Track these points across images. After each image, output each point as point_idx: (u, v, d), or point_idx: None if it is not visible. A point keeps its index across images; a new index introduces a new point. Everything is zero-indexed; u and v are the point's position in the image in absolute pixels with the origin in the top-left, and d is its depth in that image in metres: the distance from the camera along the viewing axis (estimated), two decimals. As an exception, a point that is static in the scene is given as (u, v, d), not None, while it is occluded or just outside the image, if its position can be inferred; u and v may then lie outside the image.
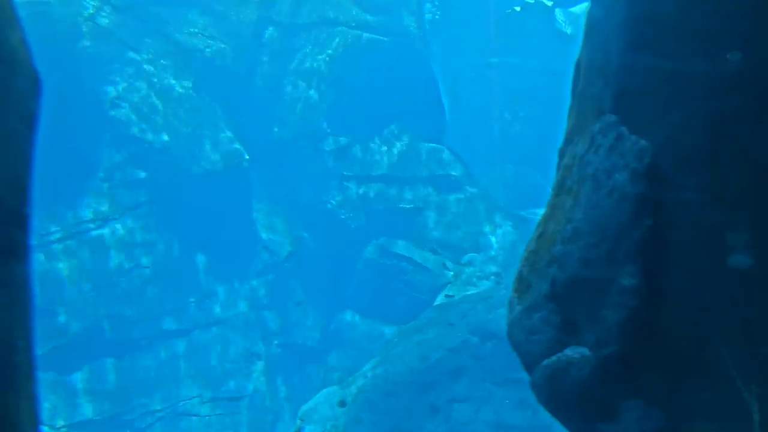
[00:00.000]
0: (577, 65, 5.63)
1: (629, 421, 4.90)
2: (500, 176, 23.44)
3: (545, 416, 5.92)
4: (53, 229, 16.98)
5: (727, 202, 4.62)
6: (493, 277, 18.39)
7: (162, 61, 18.74)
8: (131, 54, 18.42)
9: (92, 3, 18.22)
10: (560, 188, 5.35)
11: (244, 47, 19.89)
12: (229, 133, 18.86)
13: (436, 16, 23.33)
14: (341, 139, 19.54)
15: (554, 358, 5.10)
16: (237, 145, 18.77)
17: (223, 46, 19.59)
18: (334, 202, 19.30)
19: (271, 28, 20.16)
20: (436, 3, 23.49)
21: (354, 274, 18.96)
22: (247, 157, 18.81)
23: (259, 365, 18.44)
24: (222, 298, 18.50)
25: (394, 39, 20.26)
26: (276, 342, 18.77)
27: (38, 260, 16.38)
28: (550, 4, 21.73)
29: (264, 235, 19.12)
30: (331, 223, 19.26)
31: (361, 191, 19.33)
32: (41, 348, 15.12)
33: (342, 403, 15.35)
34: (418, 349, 15.66)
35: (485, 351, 15.35)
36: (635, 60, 4.86)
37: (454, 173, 19.66)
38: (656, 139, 4.78)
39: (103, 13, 18.29)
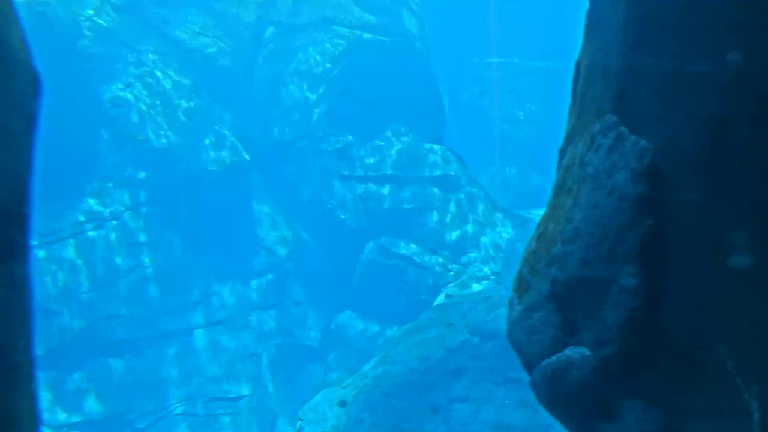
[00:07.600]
0: (577, 65, 5.63)
1: (629, 421, 4.91)
2: (500, 176, 23.46)
3: (545, 416, 5.92)
4: (53, 229, 16.97)
5: (727, 202, 4.63)
6: (493, 277, 18.39)
7: (162, 61, 18.75)
8: (131, 54, 18.42)
9: (92, 3, 18.22)
10: (560, 188, 5.35)
11: (244, 47, 19.90)
12: (229, 133, 18.86)
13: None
14: (341, 139, 19.53)
15: (554, 358, 5.10)
16: (237, 145, 18.78)
17: (223, 46, 19.59)
18: (334, 202, 19.29)
19: (271, 28, 20.15)
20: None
21: (354, 274, 18.95)
22: (247, 157, 18.81)
23: (259, 365, 18.44)
24: (222, 298, 18.50)
25: (394, 39, 20.26)
26: (276, 342, 18.77)
27: (38, 260, 16.38)
28: None
29: (264, 235, 19.13)
30: (331, 223, 19.25)
31: (361, 191, 19.31)
32: (41, 348, 15.14)
33: (342, 403, 15.35)
34: (418, 349, 15.66)
35: (485, 351, 15.35)
36: (635, 60, 4.87)
37: (454, 173, 19.64)
38: (656, 139, 4.79)
39: (104, 13, 18.30)
